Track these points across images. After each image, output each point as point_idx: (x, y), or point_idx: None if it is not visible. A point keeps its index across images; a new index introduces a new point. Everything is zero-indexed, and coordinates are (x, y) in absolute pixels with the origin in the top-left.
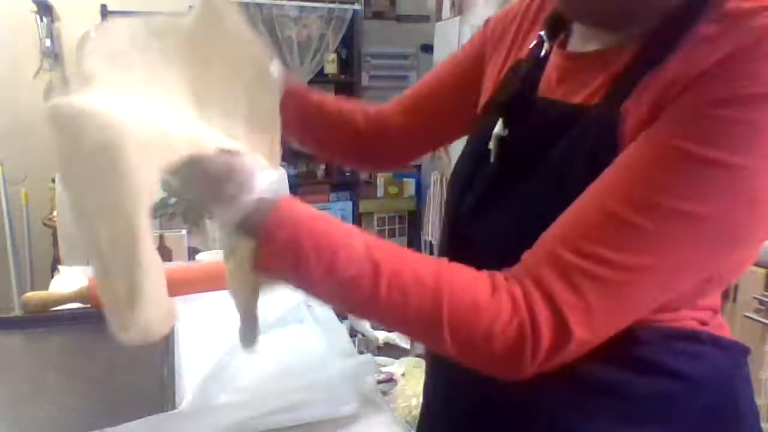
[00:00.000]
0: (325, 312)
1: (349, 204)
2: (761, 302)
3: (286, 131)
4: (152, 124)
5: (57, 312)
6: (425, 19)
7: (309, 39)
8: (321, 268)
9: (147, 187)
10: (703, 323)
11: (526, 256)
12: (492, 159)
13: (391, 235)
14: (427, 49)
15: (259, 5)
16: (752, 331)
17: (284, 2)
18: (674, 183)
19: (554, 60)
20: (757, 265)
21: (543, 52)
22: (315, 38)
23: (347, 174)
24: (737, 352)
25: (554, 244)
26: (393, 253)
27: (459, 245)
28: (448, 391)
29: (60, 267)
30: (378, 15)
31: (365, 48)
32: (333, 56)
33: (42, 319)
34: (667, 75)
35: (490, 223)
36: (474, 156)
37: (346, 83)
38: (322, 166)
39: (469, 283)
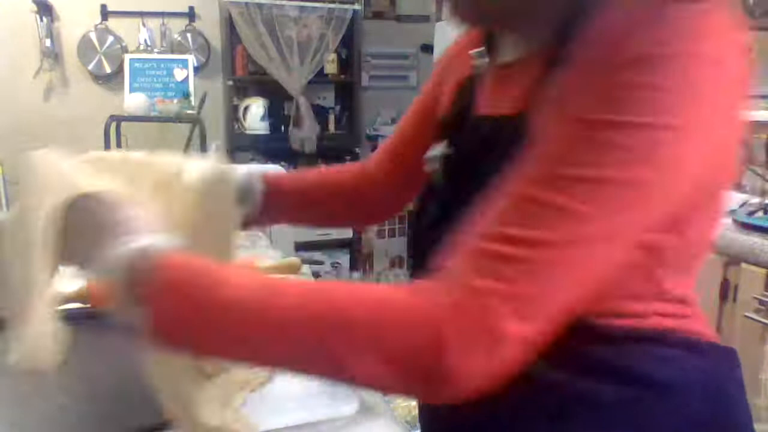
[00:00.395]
0: None
1: None
2: (761, 302)
3: (281, 222)
4: (73, 167)
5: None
6: (425, 19)
7: (309, 39)
8: (210, 298)
9: (48, 208)
10: (667, 316)
11: (443, 262)
12: (439, 179)
13: (391, 235)
14: (427, 49)
15: (259, 5)
16: (752, 331)
17: (284, 2)
18: (572, 152)
19: (488, 75)
20: (757, 264)
21: (481, 69)
22: (315, 38)
23: None
24: (719, 355)
25: (467, 239)
26: (288, 280)
27: (420, 269)
28: (430, 413)
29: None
30: (378, 15)
31: (365, 48)
32: (333, 56)
33: None
34: (568, 69)
35: (442, 243)
36: (427, 179)
37: (346, 83)
38: (322, 166)
39: (376, 286)
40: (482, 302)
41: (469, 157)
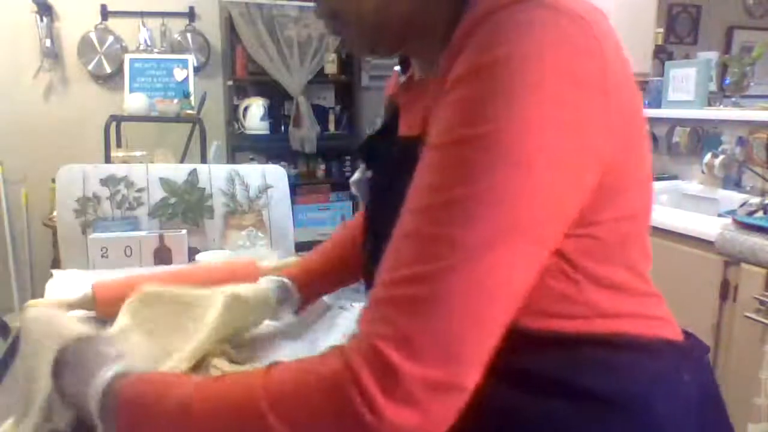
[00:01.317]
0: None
1: (349, 204)
2: (761, 302)
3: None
4: (64, 323)
5: None
6: None
7: (309, 39)
8: (157, 410)
9: (46, 360)
10: (609, 317)
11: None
12: (364, 202)
13: None
14: None
15: (259, 5)
16: (752, 331)
17: (284, 2)
18: (437, 177)
19: (405, 93)
20: (757, 264)
21: (402, 88)
22: (315, 38)
23: (347, 174)
24: (679, 354)
25: (376, 288)
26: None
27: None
28: None
29: (53, 271)
30: None
31: None
32: (333, 56)
33: None
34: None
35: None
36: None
37: (346, 83)
38: (322, 166)
39: (297, 364)
40: (374, 345)
41: (384, 180)
